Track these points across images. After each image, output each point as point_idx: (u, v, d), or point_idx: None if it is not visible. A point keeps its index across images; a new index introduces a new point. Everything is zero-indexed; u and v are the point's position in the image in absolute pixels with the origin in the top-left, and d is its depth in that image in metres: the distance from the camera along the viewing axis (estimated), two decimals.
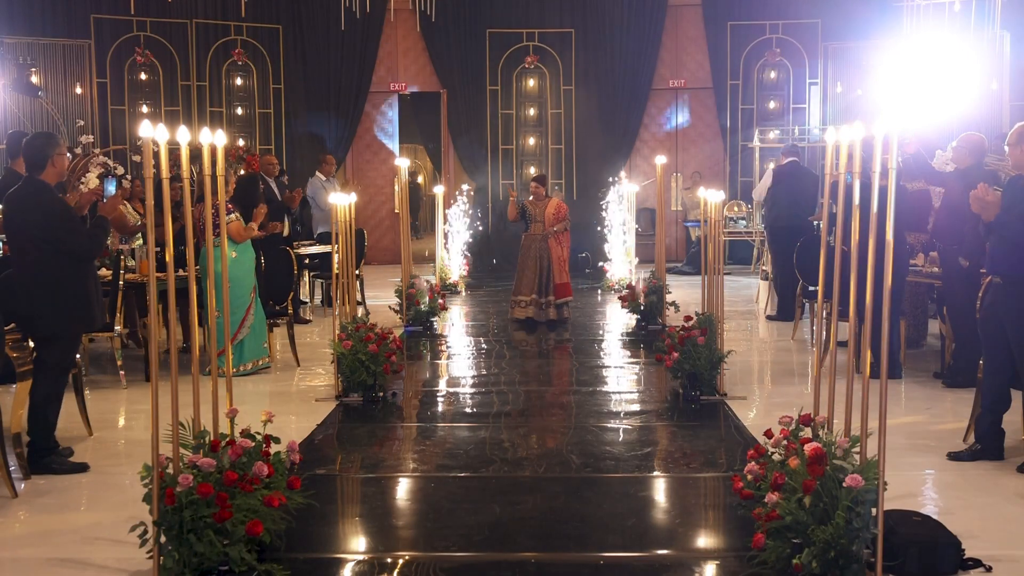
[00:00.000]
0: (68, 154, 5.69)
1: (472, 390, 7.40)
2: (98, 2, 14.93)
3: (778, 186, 10.57)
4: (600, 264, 13.85)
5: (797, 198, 10.36)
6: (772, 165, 12.55)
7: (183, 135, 4.00)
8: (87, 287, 5.37)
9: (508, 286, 11.21)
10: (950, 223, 6.99)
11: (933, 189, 8.20)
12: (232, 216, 7.49)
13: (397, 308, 10.19)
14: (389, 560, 4.05)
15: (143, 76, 15.28)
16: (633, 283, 10.43)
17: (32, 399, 5.18)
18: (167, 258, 5.68)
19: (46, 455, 5.24)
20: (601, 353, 8.86)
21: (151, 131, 3.66)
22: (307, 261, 10.94)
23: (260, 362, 7.79)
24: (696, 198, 8.27)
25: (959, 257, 6.72)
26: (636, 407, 6.75)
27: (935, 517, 4.11)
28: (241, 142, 15.34)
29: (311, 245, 11.17)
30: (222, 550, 3.65)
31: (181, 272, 7.47)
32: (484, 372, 7.99)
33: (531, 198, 10.29)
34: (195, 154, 4.33)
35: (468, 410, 6.77)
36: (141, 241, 9.00)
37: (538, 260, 10.10)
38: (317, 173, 12.04)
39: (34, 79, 12.86)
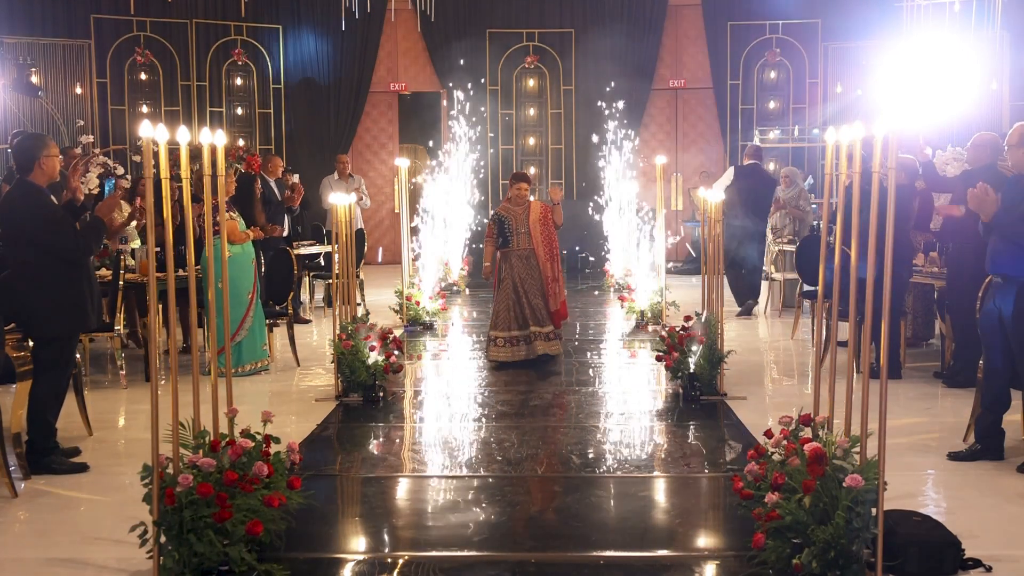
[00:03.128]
0: (61, 155, 5.67)
1: (472, 390, 7.39)
2: (98, 2, 14.94)
3: (735, 186, 10.50)
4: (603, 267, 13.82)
5: (751, 200, 10.37)
6: (748, 150, 12.33)
7: (183, 135, 3.99)
8: (81, 288, 5.36)
9: None
10: (956, 224, 6.98)
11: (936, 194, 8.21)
12: (229, 215, 7.48)
13: (397, 308, 10.19)
14: (389, 560, 4.05)
15: (143, 76, 15.28)
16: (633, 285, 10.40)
17: (31, 399, 5.18)
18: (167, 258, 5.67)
19: (46, 455, 5.24)
20: (601, 353, 8.86)
21: (151, 131, 3.66)
22: (307, 261, 10.95)
23: (258, 364, 7.78)
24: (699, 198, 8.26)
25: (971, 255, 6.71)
26: (636, 407, 6.75)
27: (935, 517, 4.10)
28: (241, 142, 15.35)
29: (311, 245, 11.18)
30: (222, 550, 3.65)
31: (181, 272, 7.47)
32: (484, 372, 7.98)
33: (511, 203, 8.09)
34: (195, 154, 4.33)
35: (468, 410, 6.76)
36: (139, 241, 9.00)
37: (522, 284, 7.98)
38: (335, 173, 12.11)
39: (34, 79, 12.85)
